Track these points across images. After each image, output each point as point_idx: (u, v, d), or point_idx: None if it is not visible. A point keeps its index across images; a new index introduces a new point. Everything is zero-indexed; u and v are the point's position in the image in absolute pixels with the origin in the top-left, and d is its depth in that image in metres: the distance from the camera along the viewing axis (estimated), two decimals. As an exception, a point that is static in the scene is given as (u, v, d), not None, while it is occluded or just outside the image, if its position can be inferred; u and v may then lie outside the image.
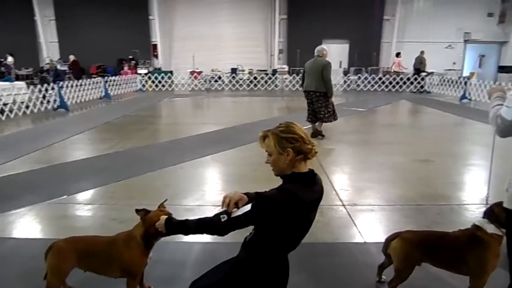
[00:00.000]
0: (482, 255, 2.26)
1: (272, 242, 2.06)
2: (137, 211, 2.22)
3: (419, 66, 17.96)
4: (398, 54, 18.98)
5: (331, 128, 8.20)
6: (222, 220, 1.95)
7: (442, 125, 9.90)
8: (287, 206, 1.92)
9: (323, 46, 7.87)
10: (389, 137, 8.24)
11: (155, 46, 22.37)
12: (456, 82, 16.21)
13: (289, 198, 1.92)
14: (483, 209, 4.02)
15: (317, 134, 7.72)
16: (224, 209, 2.02)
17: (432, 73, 18.41)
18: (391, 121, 10.37)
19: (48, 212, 4.06)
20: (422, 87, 17.80)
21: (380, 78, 18.56)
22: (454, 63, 21.25)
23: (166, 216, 2.13)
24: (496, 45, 21.41)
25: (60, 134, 8.05)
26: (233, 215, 1.95)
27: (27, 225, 3.75)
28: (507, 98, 1.84)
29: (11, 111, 10.23)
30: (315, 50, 7.71)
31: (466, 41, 21.46)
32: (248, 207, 1.95)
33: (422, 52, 17.98)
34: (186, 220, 2.10)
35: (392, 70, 18.93)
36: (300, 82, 8.15)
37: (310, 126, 7.75)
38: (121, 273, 2.30)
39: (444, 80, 17.14)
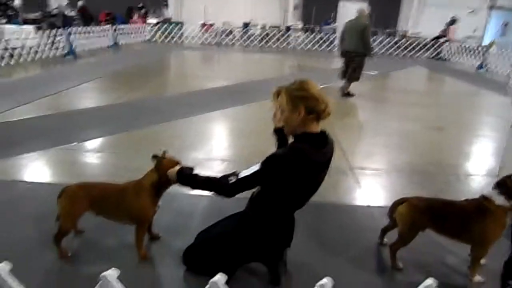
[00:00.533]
0: (487, 225, 2.27)
1: (278, 199, 2.09)
2: (153, 157, 2.24)
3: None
4: (453, 22, 16.97)
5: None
6: (230, 182, 1.95)
7: (456, 94, 9.70)
8: (296, 164, 1.91)
9: (363, 7, 7.81)
10: (401, 103, 8.11)
11: (166, -5, 21.70)
12: (475, 51, 15.69)
13: (298, 156, 1.91)
14: (491, 180, 4.03)
15: (348, 94, 7.87)
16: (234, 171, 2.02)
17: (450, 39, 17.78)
18: (404, 87, 10.17)
19: (58, 157, 4.11)
20: (438, 54, 17.27)
21: (396, 42, 18.00)
22: (474, 31, 20.46)
23: (179, 166, 2.15)
24: (523, 13, 20.48)
25: (69, 81, 8.00)
26: (241, 175, 1.94)
27: (39, 169, 3.81)
28: None
29: (20, 56, 10.14)
30: (356, 11, 7.66)
31: (491, 7, 20.51)
32: (256, 166, 1.94)
33: (453, 18, 17.12)
34: (197, 174, 2.11)
35: (449, 39, 17.07)
36: (339, 41, 8.12)
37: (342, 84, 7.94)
38: (130, 220, 2.35)
39: (462, 48, 16.56)
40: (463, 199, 2.46)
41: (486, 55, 13.93)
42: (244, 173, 1.96)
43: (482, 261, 2.46)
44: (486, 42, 19.11)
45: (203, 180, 2.08)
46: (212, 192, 2.06)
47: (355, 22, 7.55)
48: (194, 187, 2.13)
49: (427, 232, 2.46)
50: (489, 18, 20.77)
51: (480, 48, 15.65)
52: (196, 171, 2.21)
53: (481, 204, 2.31)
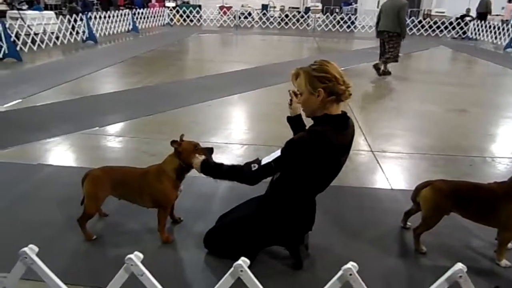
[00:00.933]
0: (516, 208, 2.20)
1: (299, 183, 2.07)
2: (172, 142, 2.26)
3: (485, 10, 16.34)
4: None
5: (363, 71, 7.91)
6: (253, 169, 1.94)
7: (482, 75, 9.37)
8: (316, 148, 1.88)
9: None
10: (425, 84, 7.89)
11: (183, -23, 21.55)
12: (503, 29, 15.04)
13: (318, 139, 1.88)
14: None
15: (386, 73, 7.93)
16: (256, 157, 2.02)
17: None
18: (427, 68, 9.91)
19: (81, 142, 4.19)
20: (464, 33, 16.65)
21: (419, 22, 17.45)
22: (502, 8, 19.55)
23: (203, 157, 2.15)
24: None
25: (90, 66, 8.11)
26: (263, 162, 1.93)
27: (63, 153, 3.90)
28: None
29: (42, 41, 10.29)
30: None
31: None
32: (277, 152, 1.93)
33: None
34: (221, 164, 2.11)
35: (505, 18, 16.26)
36: (376, 22, 8.09)
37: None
38: (152, 204, 2.38)
39: (489, 27, 15.89)
40: (491, 181, 2.38)
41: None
42: (265, 159, 1.94)
43: (509, 245, 2.40)
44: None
45: (227, 170, 2.07)
46: (235, 181, 2.05)
47: (393, 2, 7.49)
48: (218, 177, 2.12)
49: (451, 215, 2.40)
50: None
51: (509, 26, 14.99)
52: (214, 155, 2.21)
53: (510, 187, 2.23)
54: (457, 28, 16.81)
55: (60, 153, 3.89)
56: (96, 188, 2.34)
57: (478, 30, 16.41)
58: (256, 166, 1.94)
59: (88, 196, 2.35)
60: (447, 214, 2.39)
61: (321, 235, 2.51)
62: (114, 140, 4.28)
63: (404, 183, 3.49)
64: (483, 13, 16.47)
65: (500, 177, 2.70)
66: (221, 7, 19.74)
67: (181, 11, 19.05)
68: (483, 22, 15.96)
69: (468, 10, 17.37)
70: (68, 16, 11.75)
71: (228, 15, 19.32)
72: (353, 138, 2.06)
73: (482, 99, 6.77)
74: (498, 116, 5.74)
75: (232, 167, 2.06)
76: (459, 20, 16.93)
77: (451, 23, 16.97)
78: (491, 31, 15.64)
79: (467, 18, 16.86)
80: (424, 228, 2.42)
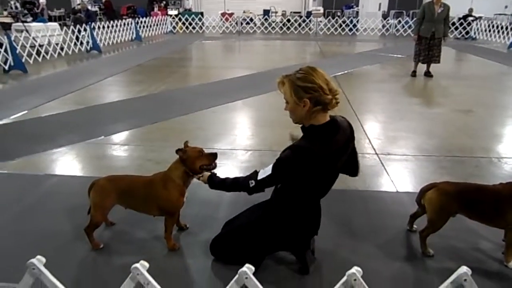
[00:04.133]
0: (523, 209, 2.18)
1: (300, 190, 2.08)
2: (177, 150, 2.30)
3: None
4: None
5: (366, 73, 7.90)
6: (251, 185, 2.02)
7: (487, 75, 9.32)
8: (302, 163, 1.89)
9: None
10: (429, 85, 7.88)
11: (185, -15, 21.73)
12: (506, 28, 14.97)
13: (304, 156, 1.88)
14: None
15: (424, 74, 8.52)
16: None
17: (480, 18, 17.03)
18: (431, 69, 9.85)
19: (87, 151, 4.22)
20: (467, 33, 16.60)
21: (421, 23, 17.40)
22: (506, 7, 19.51)
23: (209, 174, 2.26)
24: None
25: (95, 76, 8.18)
26: (259, 177, 2.01)
27: (69, 163, 3.93)
28: None
29: (46, 52, 10.41)
30: None
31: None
32: (269, 169, 1.97)
33: None
34: (225, 179, 2.19)
35: None
36: None
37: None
38: (159, 212, 2.39)
39: (492, 26, 15.82)
40: (497, 183, 2.37)
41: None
42: (261, 175, 2.00)
43: (517, 246, 2.37)
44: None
45: (230, 184, 2.17)
46: (241, 191, 2.14)
47: None
48: (224, 190, 2.23)
49: (458, 217, 2.39)
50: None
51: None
52: (220, 161, 2.24)
53: (516, 188, 2.22)
54: (460, 28, 16.74)
55: (66, 163, 3.93)
56: (102, 197, 2.36)
57: (480, 29, 16.36)
58: (253, 182, 2.01)
59: (95, 206, 2.37)
60: (453, 216, 2.37)
61: (327, 239, 2.51)
62: (120, 149, 4.31)
63: (409, 186, 3.48)
64: None
65: (507, 177, 2.69)
66: (223, 14, 19.86)
67: (183, 19, 19.19)
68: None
69: (471, 10, 17.32)
70: (72, 27, 11.88)
71: (230, 22, 19.43)
72: (350, 138, 2.03)
73: (487, 99, 6.74)
74: (504, 116, 5.71)
75: (234, 182, 2.15)
76: (462, 20, 16.88)
77: (453, 24, 16.90)
78: (494, 31, 15.57)
79: (470, 18, 16.80)
80: (430, 231, 2.41)
